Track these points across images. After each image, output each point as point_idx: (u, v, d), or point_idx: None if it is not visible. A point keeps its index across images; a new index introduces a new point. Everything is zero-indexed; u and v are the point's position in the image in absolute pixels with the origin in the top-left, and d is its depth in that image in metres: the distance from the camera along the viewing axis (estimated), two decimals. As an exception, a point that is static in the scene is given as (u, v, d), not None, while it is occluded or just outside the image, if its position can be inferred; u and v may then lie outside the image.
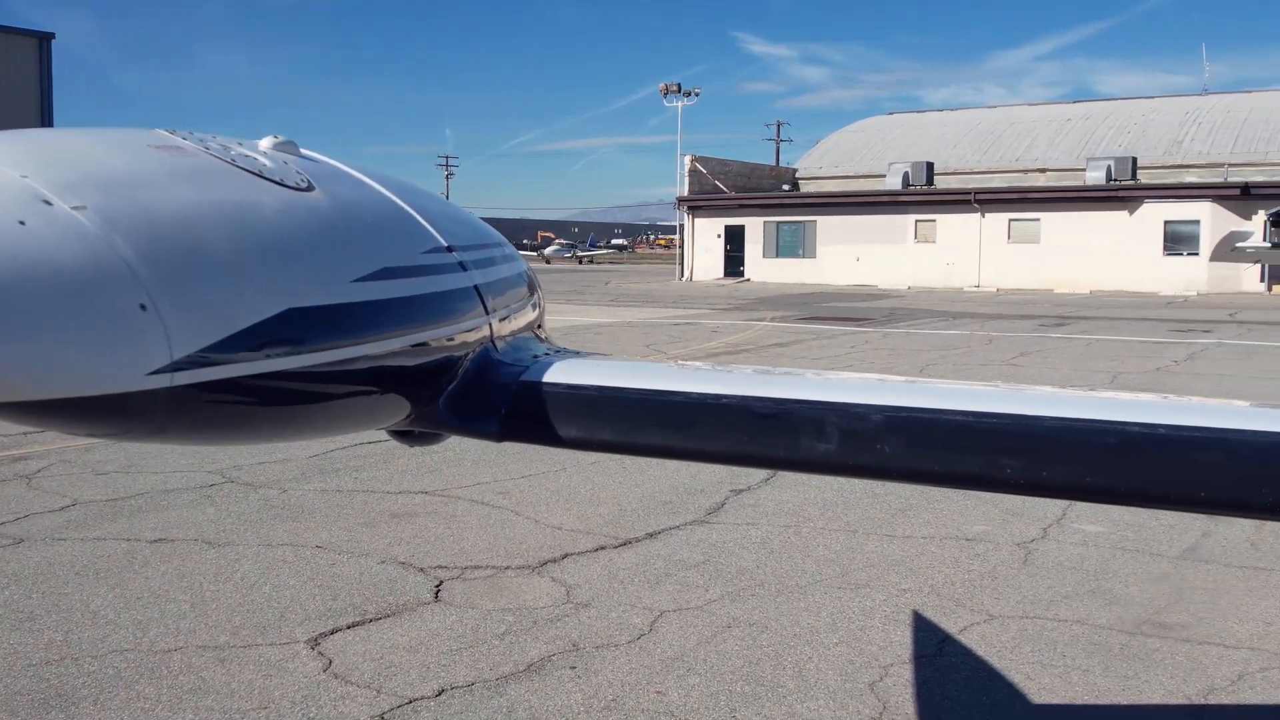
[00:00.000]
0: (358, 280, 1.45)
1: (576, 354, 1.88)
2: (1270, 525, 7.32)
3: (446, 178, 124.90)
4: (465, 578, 6.19)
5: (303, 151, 1.62)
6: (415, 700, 4.57)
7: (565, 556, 6.63)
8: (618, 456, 9.40)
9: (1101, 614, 5.71)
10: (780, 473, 8.81)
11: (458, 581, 6.13)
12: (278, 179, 1.45)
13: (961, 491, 8.14)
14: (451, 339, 1.64)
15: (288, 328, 1.31)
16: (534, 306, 2.04)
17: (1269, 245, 17.56)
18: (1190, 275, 44.74)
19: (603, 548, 6.84)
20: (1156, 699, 4.70)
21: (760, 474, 8.80)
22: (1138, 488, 1.47)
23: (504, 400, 1.67)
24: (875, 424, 1.52)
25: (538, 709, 4.50)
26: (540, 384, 1.68)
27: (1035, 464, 1.47)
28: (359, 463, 9.22)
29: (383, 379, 1.53)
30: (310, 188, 1.49)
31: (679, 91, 62.42)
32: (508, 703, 4.56)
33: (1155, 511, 7.59)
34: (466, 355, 1.67)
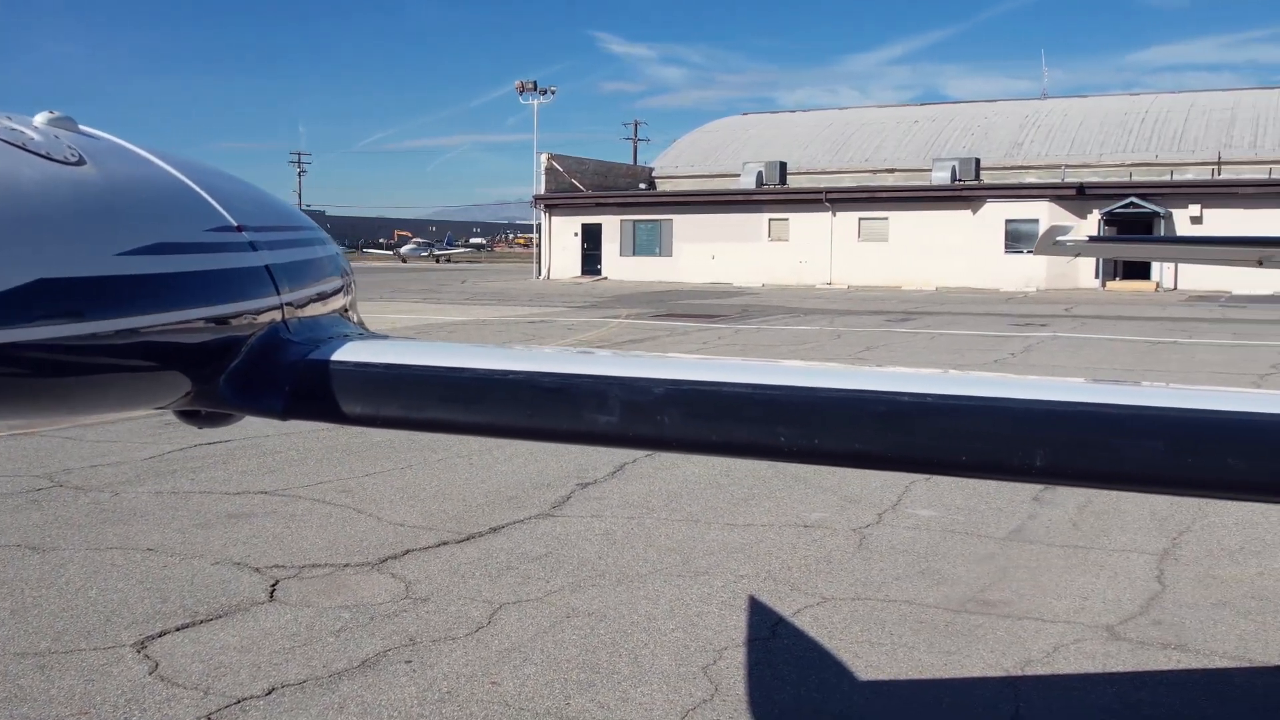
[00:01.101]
0: (125, 254, 1.43)
1: (379, 336, 1.89)
2: (1092, 505, 7.67)
3: (299, 175, 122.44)
4: (302, 576, 6.09)
5: (81, 128, 1.59)
6: (244, 700, 4.48)
7: (406, 553, 6.57)
8: (465, 452, 9.37)
9: (929, 594, 5.91)
10: (626, 466, 8.90)
11: (294, 580, 6.02)
12: (43, 152, 1.42)
13: (803, 481, 8.33)
14: (234, 317, 1.62)
15: (39, 298, 1.28)
16: (343, 291, 2.03)
17: (1085, 239, 18.38)
18: (1030, 272, 46.45)
19: (445, 543, 6.79)
20: (976, 672, 4.88)
21: (607, 467, 8.85)
22: (905, 453, 1.54)
23: (290, 379, 1.67)
24: (656, 397, 1.56)
25: (370, 704, 4.46)
26: (328, 362, 1.68)
27: (809, 432, 1.53)
28: (196, 464, 8.98)
29: (155, 355, 1.51)
30: (80, 162, 1.47)
31: (536, 89, 62.15)
32: (339, 699, 4.50)
33: (985, 496, 7.89)
34: (252, 334, 1.66)
